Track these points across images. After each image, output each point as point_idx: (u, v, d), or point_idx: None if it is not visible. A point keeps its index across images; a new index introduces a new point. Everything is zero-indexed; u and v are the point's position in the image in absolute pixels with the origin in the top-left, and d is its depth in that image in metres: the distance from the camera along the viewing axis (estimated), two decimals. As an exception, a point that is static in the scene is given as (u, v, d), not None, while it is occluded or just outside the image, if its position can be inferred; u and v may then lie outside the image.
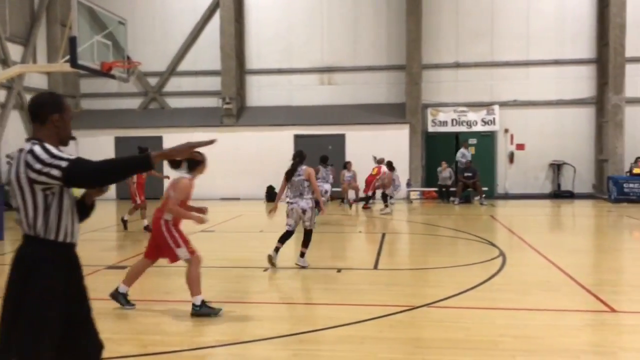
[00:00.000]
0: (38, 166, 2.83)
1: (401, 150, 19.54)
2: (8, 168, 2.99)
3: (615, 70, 18.85)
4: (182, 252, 5.80)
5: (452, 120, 20.26)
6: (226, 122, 20.63)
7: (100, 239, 11.15)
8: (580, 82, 19.94)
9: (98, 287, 5.96)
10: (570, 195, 19.70)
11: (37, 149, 2.88)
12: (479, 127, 20.09)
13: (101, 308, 5.08)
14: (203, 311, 5.75)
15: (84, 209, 3.17)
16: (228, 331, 5.47)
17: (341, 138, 19.76)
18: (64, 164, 2.82)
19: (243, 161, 19.68)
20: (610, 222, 14.41)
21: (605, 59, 19.15)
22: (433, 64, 20.25)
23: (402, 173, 19.32)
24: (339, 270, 8.11)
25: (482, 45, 20.18)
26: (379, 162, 17.29)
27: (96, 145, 19.39)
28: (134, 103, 21.90)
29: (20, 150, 2.95)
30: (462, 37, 20.27)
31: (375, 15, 20.60)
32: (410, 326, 5.54)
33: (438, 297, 6.44)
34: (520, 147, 20.19)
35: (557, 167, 20.08)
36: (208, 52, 21.02)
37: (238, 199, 19.72)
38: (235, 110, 20.72)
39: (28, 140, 2.99)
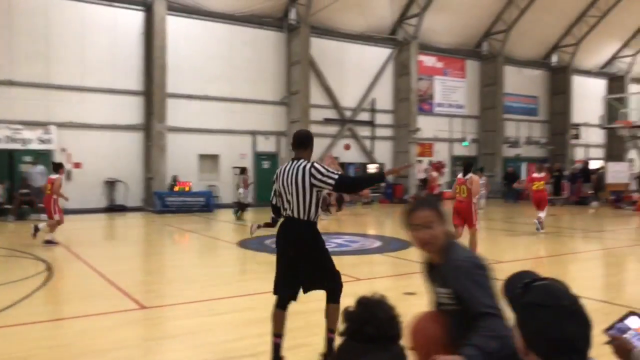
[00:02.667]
0: (319, 176, 4.23)
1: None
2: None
3: (159, 103, 20.70)
4: (477, 225, 9.98)
5: (7, 137, 18.59)
6: None
7: None
8: (131, 110, 21.04)
9: None
10: (123, 209, 20.60)
11: (318, 166, 4.28)
12: (35, 146, 18.97)
13: None
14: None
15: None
16: None
17: None
18: (335, 176, 4.22)
19: None
20: (153, 231, 15.61)
21: (151, 92, 20.77)
22: (-18, 79, 18.20)
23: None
24: None
25: (38, 67, 19.15)
26: None
27: None
28: None
29: (297, 166, 4.32)
30: (16, 55, 18.83)
31: None
32: None
33: (-29, 322, 5.91)
34: (77, 165, 20.06)
35: (111, 184, 20.73)
36: None
37: None
38: None
39: (296, 159, 4.38)
